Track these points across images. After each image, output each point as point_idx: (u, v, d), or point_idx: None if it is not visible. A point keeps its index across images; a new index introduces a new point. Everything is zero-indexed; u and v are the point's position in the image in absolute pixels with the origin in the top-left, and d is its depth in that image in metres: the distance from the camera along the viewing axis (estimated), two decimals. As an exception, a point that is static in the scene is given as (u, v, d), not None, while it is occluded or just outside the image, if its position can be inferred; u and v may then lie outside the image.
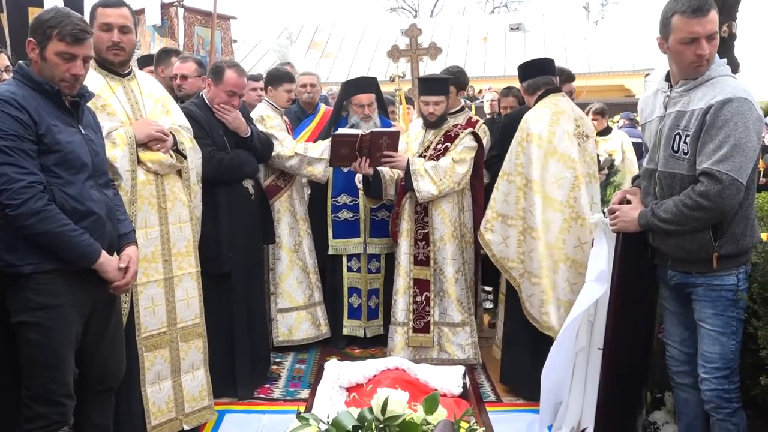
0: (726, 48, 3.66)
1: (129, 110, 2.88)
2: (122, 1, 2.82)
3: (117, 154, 2.76)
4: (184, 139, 3.12)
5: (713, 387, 2.41)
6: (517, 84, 4.11)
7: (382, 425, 1.88)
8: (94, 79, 2.75)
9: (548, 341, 3.41)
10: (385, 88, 4.79)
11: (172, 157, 3.02)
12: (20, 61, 2.32)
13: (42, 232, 2.16)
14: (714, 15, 2.34)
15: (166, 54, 4.45)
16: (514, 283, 3.60)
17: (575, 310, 2.84)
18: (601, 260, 2.79)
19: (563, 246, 3.50)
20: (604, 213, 2.98)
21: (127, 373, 2.85)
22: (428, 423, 1.95)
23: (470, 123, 4.19)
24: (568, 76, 4.61)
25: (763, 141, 6.02)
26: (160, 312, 3.04)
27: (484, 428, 2.20)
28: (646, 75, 20.41)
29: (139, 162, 2.88)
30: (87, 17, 2.54)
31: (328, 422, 2.03)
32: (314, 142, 4.42)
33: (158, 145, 2.94)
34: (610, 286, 2.70)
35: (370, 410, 1.94)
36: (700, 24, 2.33)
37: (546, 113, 3.56)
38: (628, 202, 2.67)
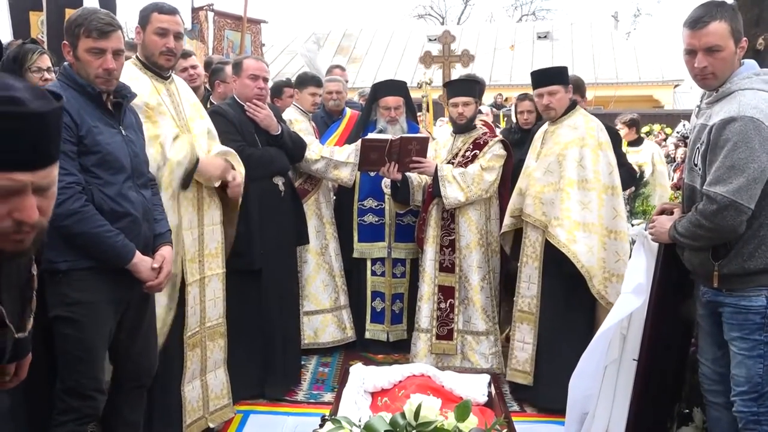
0: (762, 60, 3.63)
1: (174, 112, 2.93)
2: (176, 9, 2.87)
3: (177, 174, 2.81)
4: (234, 157, 3.17)
5: (741, 409, 2.38)
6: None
7: (414, 431, 1.88)
8: (141, 80, 2.79)
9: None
10: (412, 95, 4.79)
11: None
12: (65, 63, 2.36)
13: (78, 233, 2.20)
14: (715, 27, 2.28)
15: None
16: (595, 291, 3.42)
17: (609, 320, 2.80)
18: (639, 273, 2.76)
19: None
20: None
21: (167, 372, 2.89)
22: (460, 431, 1.95)
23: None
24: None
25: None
26: (197, 311, 3.09)
27: (516, 438, 2.19)
28: (676, 86, 20.16)
29: None
30: (115, 16, 2.56)
31: (359, 426, 2.03)
32: (342, 146, 4.45)
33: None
34: (648, 298, 2.67)
35: (403, 415, 1.95)
36: (696, 36, 2.32)
37: (598, 123, 3.66)
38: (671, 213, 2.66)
